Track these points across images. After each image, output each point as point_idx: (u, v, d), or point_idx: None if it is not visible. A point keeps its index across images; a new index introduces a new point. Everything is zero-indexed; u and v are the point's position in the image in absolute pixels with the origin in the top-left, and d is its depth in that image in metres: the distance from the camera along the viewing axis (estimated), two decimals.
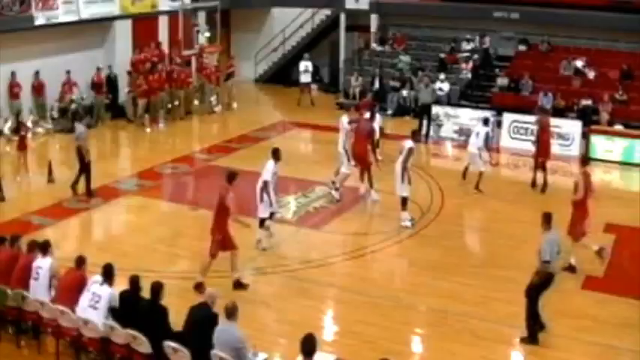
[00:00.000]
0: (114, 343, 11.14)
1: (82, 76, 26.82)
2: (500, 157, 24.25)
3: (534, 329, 12.78)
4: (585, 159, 18.34)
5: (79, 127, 19.95)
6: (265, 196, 15.95)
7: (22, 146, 20.81)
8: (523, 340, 12.77)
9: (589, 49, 29.24)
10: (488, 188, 20.71)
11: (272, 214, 16.43)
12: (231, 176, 14.60)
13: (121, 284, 11.65)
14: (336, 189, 19.21)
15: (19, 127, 21.51)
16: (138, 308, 11.05)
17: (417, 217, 18.15)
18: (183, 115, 28.31)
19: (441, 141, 25.93)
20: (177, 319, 11.07)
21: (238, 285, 14.37)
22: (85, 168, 19.27)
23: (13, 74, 24.98)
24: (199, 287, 13.59)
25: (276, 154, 16.16)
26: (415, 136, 18.27)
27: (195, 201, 19.85)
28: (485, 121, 20.93)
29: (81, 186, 19.34)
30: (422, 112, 26.33)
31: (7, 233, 13.47)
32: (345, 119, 19.62)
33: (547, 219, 13.11)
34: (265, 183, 15.91)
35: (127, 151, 25.58)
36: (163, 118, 27.20)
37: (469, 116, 26.05)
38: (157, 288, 11.03)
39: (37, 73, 25.72)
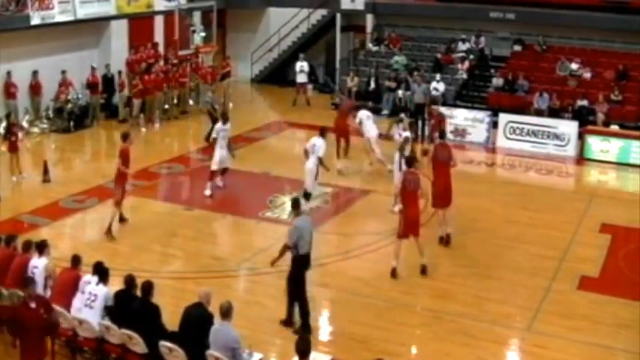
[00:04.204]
0: (109, 342, 11.15)
1: (77, 76, 26.82)
2: (496, 158, 24.31)
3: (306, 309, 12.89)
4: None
5: (209, 93, 26.24)
6: None
7: (12, 148, 20.71)
8: (283, 322, 13.04)
9: (584, 50, 29.32)
10: (483, 188, 20.75)
11: None
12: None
13: (116, 284, 11.64)
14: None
15: (10, 128, 21.40)
16: (131, 307, 11.05)
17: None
18: (179, 114, 28.32)
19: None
20: (172, 319, 11.07)
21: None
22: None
23: (8, 74, 24.98)
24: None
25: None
26: (411, 127, 19.32)
27: (190, 201, 19.84)
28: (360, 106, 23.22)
29: None
30: (416, 112, 26.31)
31: (3, 233, 13.45)
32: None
33: (295, 205, 13.28)
34: None
35: None
36: (159, 118, 27.20)
37: (464, 116, 26.06)
38: (147, 287, 11.07)
39: (35, 72, 25.73)
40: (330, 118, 26.69)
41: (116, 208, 17.05)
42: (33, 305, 10.18)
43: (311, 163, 18.37)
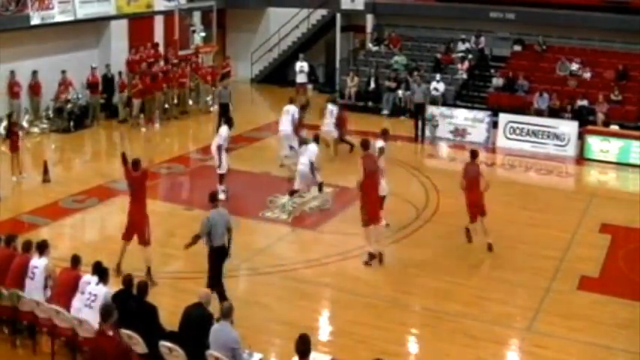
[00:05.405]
0: None
1: (77, 76, 26.81)
2: (496, 158, 24.28)
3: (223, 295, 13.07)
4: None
5: (223, 91, 26.13)
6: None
7: (13, 147, 20.70)
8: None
9: (584, 50, 29.32)
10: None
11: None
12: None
13: (116, 284, 11.65)
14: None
15: (11, 128, 21.41)
16: (128, 307, 11.05)
17: (412, 217, 18.30)
18: (179, 114, 28.32)
19: (437, 141, 25.94)
20: (171, 319, 11.08)
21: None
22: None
23: (12, 73, 25.00)
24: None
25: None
26: (385, 135, 18.14)
27: (190, 201, 19.83)
28: (334, 100, 23.61)
29: None
30: (416, 111, 26.31)
31: (3, 233, 13.45)
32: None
33: (212, 198, 13.70)
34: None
35: (123, 151, 25.51)
36: (159, 118, 27.21)
37: (464, 116, 26.07)
38: (142, 287, 11.13)
39: (34, 72, 25.74)
40: None
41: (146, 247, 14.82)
42: (110, 333, 10.24)
43: (301, 165, 18.73)
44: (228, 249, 13.39)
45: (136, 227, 14.63)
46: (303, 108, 23.18)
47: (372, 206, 15.60)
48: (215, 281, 13.20)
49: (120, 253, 14.64)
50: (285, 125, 21.71)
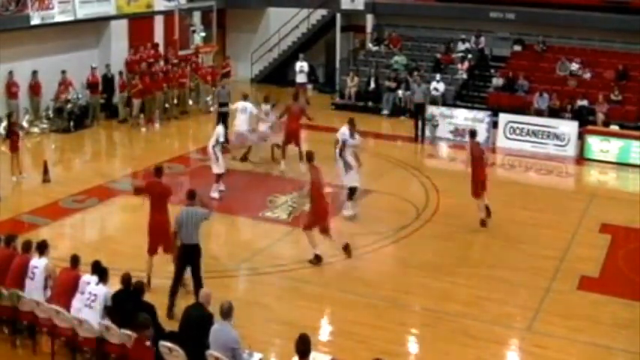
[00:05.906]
0: (109, 342, 11.15)
1: (77, 76, 26.81)
2: (496, 158, 24.27)
3: (174, 294, 13.18)
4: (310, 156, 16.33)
5: (221, 90, 24.57)
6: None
7: (13, 147, 20.69)
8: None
9: (584, 50, 29.33)
10: None
11: None
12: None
13: (116, 284, 11.66)
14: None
15: (11, 128, 21.41)
16: (127, 307, 11.05)
17: (413, 217, 18.28)
18: (178, 114, 28.32)
19: (437, 141, 25.94)
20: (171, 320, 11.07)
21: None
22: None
23: (10, 73, 25.00)
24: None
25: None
26: (351, 125, 18.26)
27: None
28: (245, 97, 22.36)
29: None
30: (416, 111, 26.31)
31: (3, 233, 13.45)
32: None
33: (189, 195, 13.72)
34: None
35: (123, 151, 25.54)
36: (159, 118, 27.21)
37: (464, 116, 26.08)
38: (138, 287, 11.16)
39: (34, 72, 25.74)
40: (331, 118, 26.77)
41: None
42: (148, 343, 10.23)
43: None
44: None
45: (162, 236, 14.32)
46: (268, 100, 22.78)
47: (317, 216, 15.62)
48: (200, 280, 13.26)
49: (147, 268, 14.33)
50: (244, 125, 21.48)
